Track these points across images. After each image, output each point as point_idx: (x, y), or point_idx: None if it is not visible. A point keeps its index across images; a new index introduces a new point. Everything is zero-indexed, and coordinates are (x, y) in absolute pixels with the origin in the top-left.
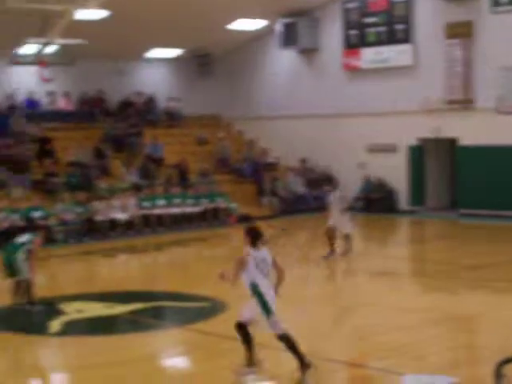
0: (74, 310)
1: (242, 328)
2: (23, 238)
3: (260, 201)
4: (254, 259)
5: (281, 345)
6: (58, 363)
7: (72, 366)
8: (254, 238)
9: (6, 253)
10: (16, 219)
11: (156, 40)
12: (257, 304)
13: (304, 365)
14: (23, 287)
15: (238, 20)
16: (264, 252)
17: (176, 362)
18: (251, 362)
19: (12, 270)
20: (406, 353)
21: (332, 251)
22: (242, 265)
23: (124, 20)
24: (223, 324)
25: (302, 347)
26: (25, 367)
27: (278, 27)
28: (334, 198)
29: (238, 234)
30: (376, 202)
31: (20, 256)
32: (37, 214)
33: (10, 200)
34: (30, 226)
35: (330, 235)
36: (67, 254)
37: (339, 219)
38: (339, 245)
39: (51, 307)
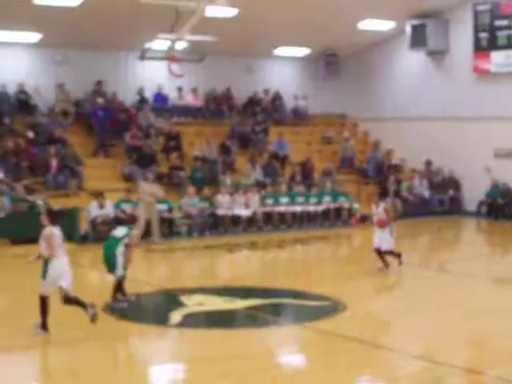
0: (195, 303)
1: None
2: (120, 231)
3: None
4: (57, 236)
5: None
6: (175, 355)
7: (188, 358)
8: (53, 218)
9: (104, 247)
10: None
11: (285, 38)
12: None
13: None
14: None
15: (367, 21)
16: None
17: (291, 359)
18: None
19: (108, 266)
20: None
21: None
22: (51, 240)
23: (253, 18)
24: (341, 324)
25: (421, 349)
26: (141, 357)
27: (407, 28)
28: (377, 210)
29: (359, 235)
30: (502, 207)
31: (118, 251)
32: (162, 207)
33: (137, 192)
34: (128, 218)
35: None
36: (190, 248)
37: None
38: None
39: (173, 299)
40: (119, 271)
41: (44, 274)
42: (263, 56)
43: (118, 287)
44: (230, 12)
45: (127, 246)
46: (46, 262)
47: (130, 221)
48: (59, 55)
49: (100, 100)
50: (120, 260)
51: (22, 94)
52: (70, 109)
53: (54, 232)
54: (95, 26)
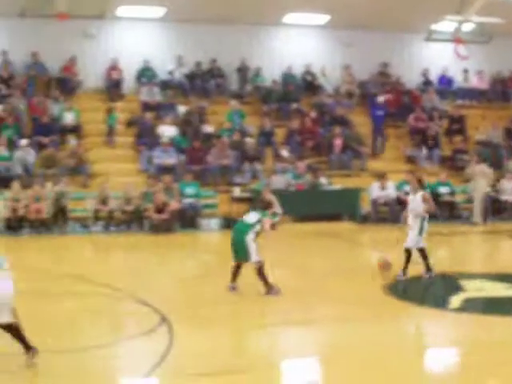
0: (475, 288)
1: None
2: (253, 217)
3: None
4: None
5: None
6: (453, 339)
7: (466, 344)
8: None
9: (234, 231)
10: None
11: None
12: None
13: (29, 349)
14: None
15: None
16: None
17: None
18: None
19: (236, 253)
20: None
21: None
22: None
23: None
24: None
25: None
26: (419, 339)
27: None
28: (413, 201)
29: None
30: None
31: (249, 238)
32: (444, 190)
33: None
34: (261, 202)
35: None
36: (471, 232)
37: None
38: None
39: (453, 283)
40: (254, 257)
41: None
42: None
43: (262, 273)
44: None
45: (258, 233)
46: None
47: (264, 206)
48: (346, 37)
49: (381, 99)
50: (253, 246)
51: (308, 75)
52: (354, 90)
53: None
54: (382, 7)
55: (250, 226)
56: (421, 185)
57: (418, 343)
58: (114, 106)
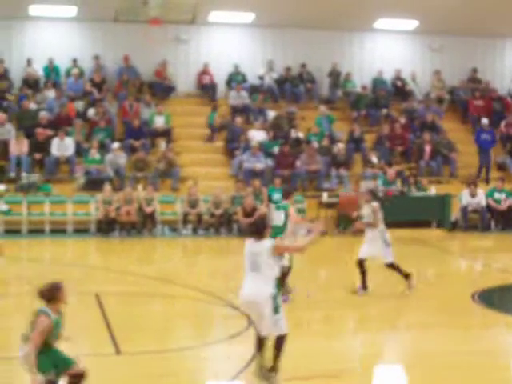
0: None
1: None
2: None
3: None
4: None
5: None
6: None
7: None
8: None
9: None
10: None
11: None
12: None
13: None
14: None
15: None
16: None
17: None
18: None
19: None
20: None
21: (362, 286)
22: None
23: None
24: None
25: None
26: (504, 348)
27: None
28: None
29: None
30: None
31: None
32: None
33: None
34: (284, 194)
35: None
36: None
37: (371, 240)
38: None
39: None
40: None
41: None
42: None
43: (283, 278)
44: None
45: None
46: None
47: (286, 195)
48: (436, 42)
49: (485, 121)
50: None
51: (398, 80)
52: (444, 96)
53: None
54: (472, 13)
55: (281, 228)
56: (374, 197)
57: (505, 352)
58: (217, 104)
